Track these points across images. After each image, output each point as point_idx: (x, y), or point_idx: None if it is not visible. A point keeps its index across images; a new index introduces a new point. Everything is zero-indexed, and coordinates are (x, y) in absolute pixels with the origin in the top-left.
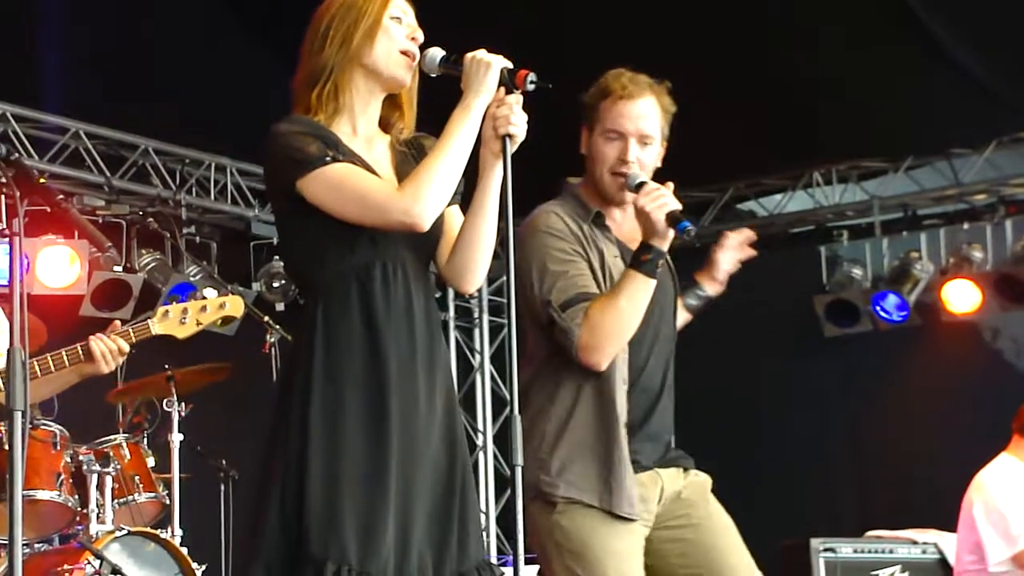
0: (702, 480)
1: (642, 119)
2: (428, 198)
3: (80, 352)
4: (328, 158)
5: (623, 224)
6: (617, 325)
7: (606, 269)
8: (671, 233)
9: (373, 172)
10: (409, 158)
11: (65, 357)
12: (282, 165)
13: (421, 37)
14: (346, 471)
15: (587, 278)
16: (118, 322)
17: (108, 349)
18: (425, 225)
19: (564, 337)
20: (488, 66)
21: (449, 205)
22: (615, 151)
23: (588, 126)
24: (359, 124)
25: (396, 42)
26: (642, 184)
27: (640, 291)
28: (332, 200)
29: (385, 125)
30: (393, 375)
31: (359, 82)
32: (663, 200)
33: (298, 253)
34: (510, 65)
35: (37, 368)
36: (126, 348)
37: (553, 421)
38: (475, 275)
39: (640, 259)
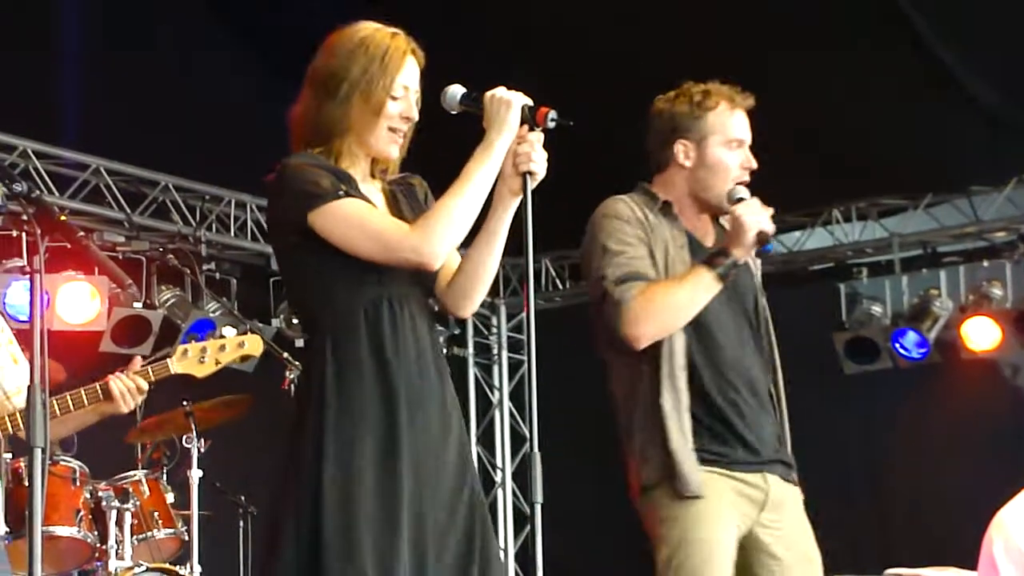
0: (797, 493)
1: (748, 128)
2: (441, 237)
3: (99, 391)
4: (341, 192)
5: (693, 222)
6: (669, 309)
7: (668, 258)
8: (752, 252)
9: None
10: (399, 197)
11: (84, 396)
12: (294, 197)
13: (415, 116)
14: (362, 508)
15: (645, 262)
16: (139, 358)
17: (127, 388)
18: (435, 264)
19: (614, 308)
20: (509, 104)
21: None
22: (738, 159)
23: (692, 138)
24: (355, 173)
25: (389, 120)
26: (739, 199)
27: (703, 288)
28: (343, 235)
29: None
30: (404, 409)
31: (354, 147)
32: (761, 217)
33: (305, 288)
34: (531, 102)
35: (56, 407)
36: (145, 387)
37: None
38: (474, 302)
39: (714, 260)
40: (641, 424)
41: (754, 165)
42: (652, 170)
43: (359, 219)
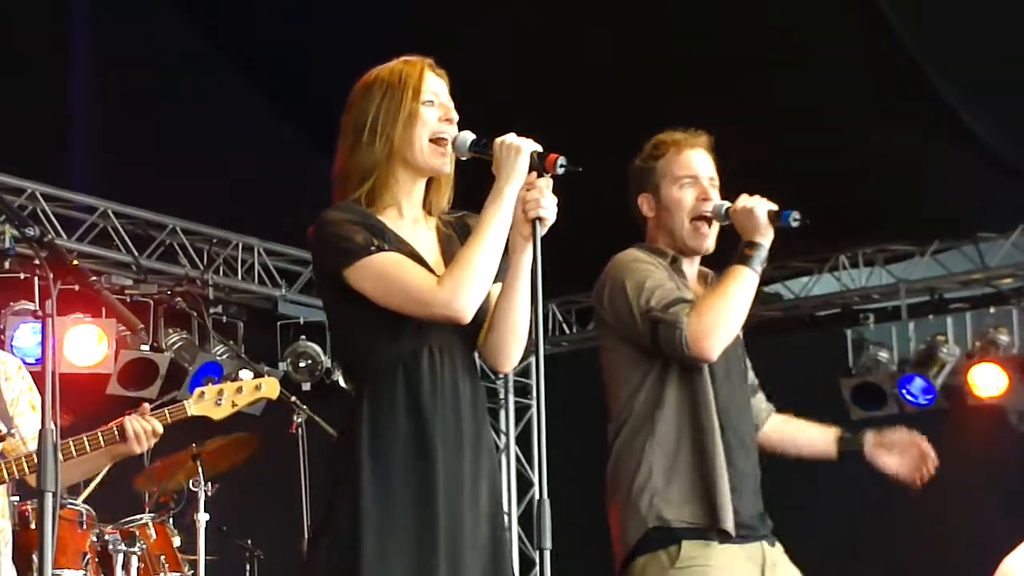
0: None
1: (707, 163)
2: (468, 291)
3: (115, 432)
4: (373, 247)
5: (691, 277)
6: (726, 312)
7: (691, 297)
8: (771, 231)
9: (420, 258)
10: (454, 239)
11: (101, 437)
12: (329, 253)
13: (455, 115)
14: (399, 562)
15: (687, 293)
16: (147, 405)
17: (143, 429)
18: (467, 317)
19: (672, 331)
20: (518, 151)
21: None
22: (693, 193)
23: (649, 188)
24: (405, 209)
25: (428, 128)
26: (728, 208)
27: (745, 283)
28: (376, 290)
29: (428, 204)
30: (439, 463)
31: (401, 174)
32: (761, 200)
33: (347, 340)
34: (540, 148)
35: (72, 448)
36: (160, 429)
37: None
38: (511, 355)
39: (745, 254)
40: (674, 464)
41: (709, 195)
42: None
43: (392, 273)
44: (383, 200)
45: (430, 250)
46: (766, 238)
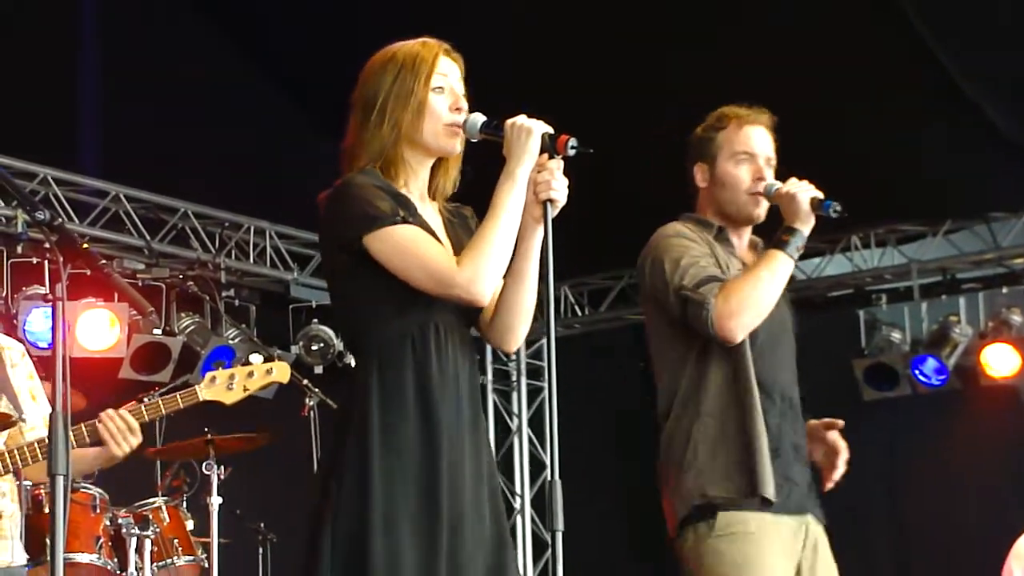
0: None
1: (767, 142)
2: (487, 273)
3: (85, 434)
4: (399, 217)
5: (740, 247)
6: (754, 294)
7: (729, 276)
8: (812, 218)
9: (437, 237)
10: (455, 226)
11: (82, 433)
12: (351, 217)
13: (465, 104)
14: (404, 539)
15: (717, 269)
16: (120, 412)
17: (117, 428)
18: (485, 300)
19: (699, 309)
20: (529, 132)
21: None
22: (749, 171)
23: (705, 159)
24: (412, 190)
25: (440, 117)
26: (777, 188)
27: (780, 268)
28: (397, 261)
29: (433, 186)
30: (444, 441)
31: (409, 157)
32: (807, 187)
33: (353, 310)
34: (551, 130)
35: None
36: (135, 425)
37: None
38: (517, 336)
39: (781, 239)
40: (719, 439)
41: (765, 175)
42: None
43: (415, 248)
44: (393, 181)
45: (438, 231)
46: (806, 225)
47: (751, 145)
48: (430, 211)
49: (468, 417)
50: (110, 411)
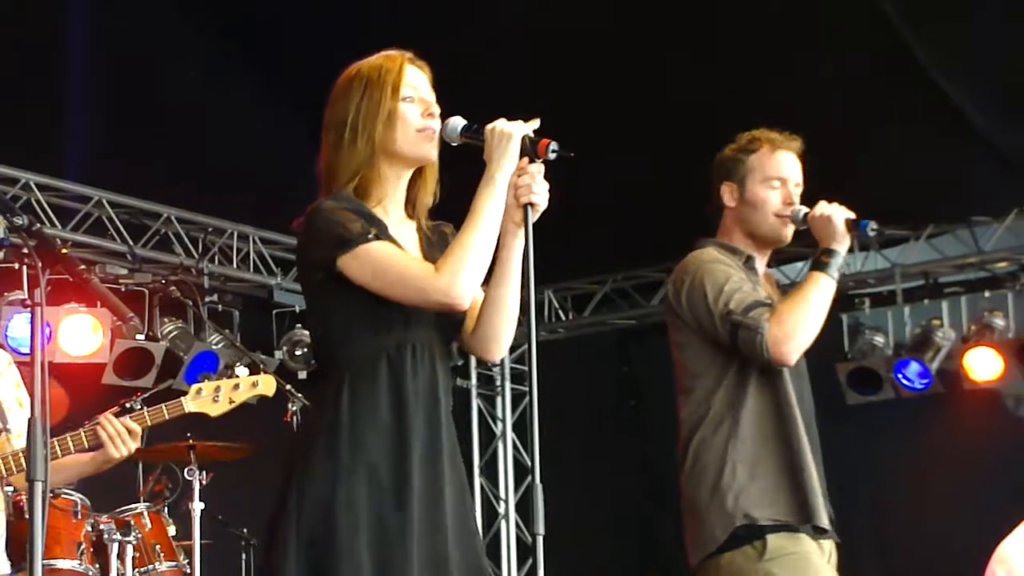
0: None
1: (797, 168)
2: (466, 277)
3: (83, 438)
4: (371, 236)
5: (761, 274)
6: (805, 318)
7: (770, 300)
8: (848, 239)
9: (407, 253)
10: (433, 244)
11: (80, 439)
12: (324, 240)
13: (436, 109)
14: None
15: (761, 294)
16: (121, 414)
17: (116, 431)
18: (465, 304)
19: (753, 335)
20: (509, 137)
21: None
22: (779, 196)
23: (735, 179)
24: (389, 208)
25: (412, 124)
26: (806, 213)
27: (824, 289)
28: (372, 278)
29: (410, 202)
30: (416, 460)
31: (386, 170)
32: (839, 208)
33: (328, 328)
34: (532, 132)
35: (57, 448)
36: (137, 429)
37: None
38: (501, 343)
39: (821, 260)
40: (757, 462)
41: (794, 201)
42: (715, 222)
43: (389, 262)
44: (370, 199)
45: (413, 250)
46: (843, 245)
47: (783, 170)
48: (408, 229)
49: (446, 433)
50: (109, 414)
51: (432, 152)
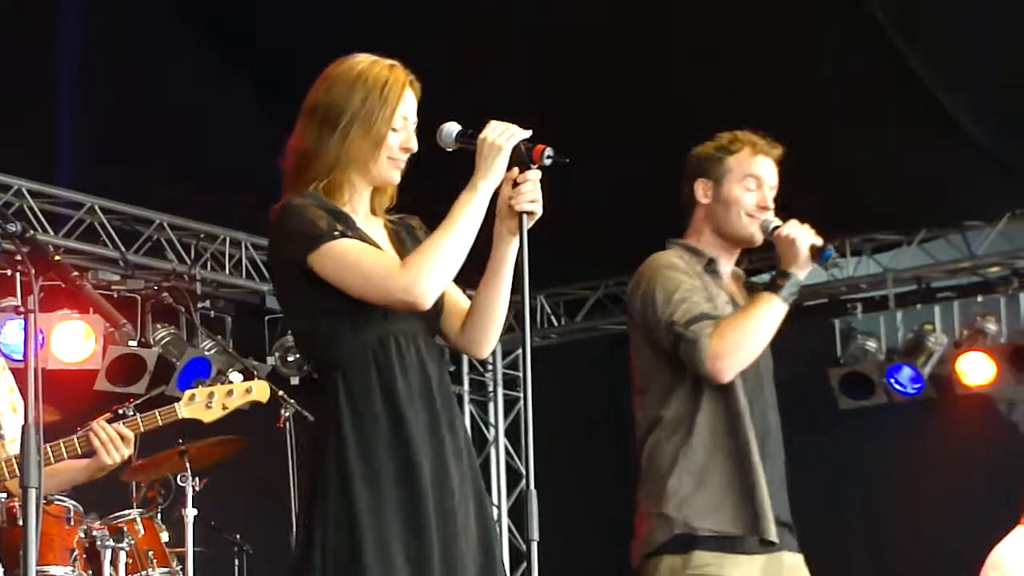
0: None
1: (774, 174)
2: (430, 277)
3: (77, 442)
4: (336, 232)
5: (725, 276)
6: (747, 336)
7: (718, 310)
8: (809, 265)
9: (379, 248)
10: (401, 237)
11: (73, 445)
12: (294, 239)
13: (415, 146)
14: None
15: (709, 305)
16: (114, 423)
17: (109, 437)
18: (427, 304)
19: (692, 348)
20: (500, 150)
21: None
22: (754, 198)
23: (710, 176)
24: (357, 207)
25: (390, 151)
26: (776, 227)
27: (773, 312)
28: (338, 275)
29: (372, 204)
30: (419, 444)
31: (356, 179)
32: (807, 233)
33: (311, 331)
34: (527, 136)
35: (50, 454)
36: (130, 435)
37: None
38: (489, 342)
39: (777, 283)
40: (706, 472)
41: (770, 205)
42: (684, 214)
43: (353, 259)
44: (338, 198)
45: (384, 244)
46: (802, 271)
47: (761, 173)
48: (376, 225)
49: (445, 416)
50: (101, 420)
51: (396, 178)
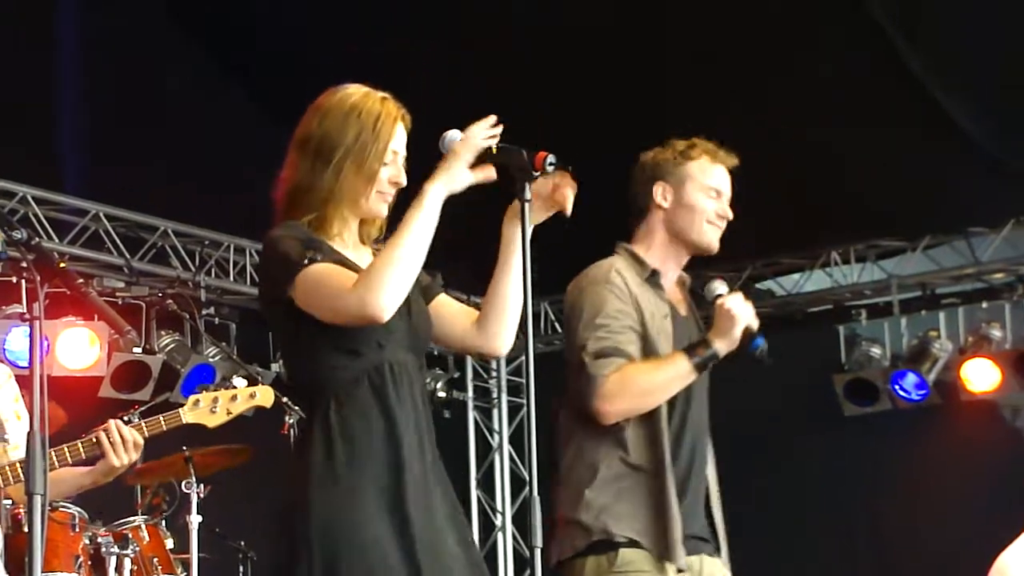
0: (720, 565)
1: (728, 184)
2: (383, 288)
3: (87, 444)
4: (306, 260)
5: (669, 285)
6: (645, 391)
7: (653, 327)
8: (736, 345)
9: (355, 267)
10: None
11: (81, 448)
12: (274, 273)
13: (404, 181)
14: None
15: (627, 336)
16: (122, 421)
17: (120, 440)
18: (384, 316)
19: (587, 382)
20: (456, 155)
21: (436, 294)
22: (715, 206)
23: (670, 181)
24: (346, 237)
25: (379, 185)
26: (720, 296)
27: (679, 376)
28: (310, 302)
29: (361, 234)
30: (410, 478)
31: (345, 211)
32: (748, 314)
33: (301, 356)
34: (496, 144)
35: (54, 458)
36: (140, 440)
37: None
38: (508, 336)
39: (695, 350)
40: (627, 486)
41: (729, 215)
42: (633, 218)
43: (320, 283)
44: (328, 232)
45: None
46: (726, 348)
47: (721, 184)
48: (365, 255)
49: (429, 447)
50: (111, 422)
51: (384, 211)
